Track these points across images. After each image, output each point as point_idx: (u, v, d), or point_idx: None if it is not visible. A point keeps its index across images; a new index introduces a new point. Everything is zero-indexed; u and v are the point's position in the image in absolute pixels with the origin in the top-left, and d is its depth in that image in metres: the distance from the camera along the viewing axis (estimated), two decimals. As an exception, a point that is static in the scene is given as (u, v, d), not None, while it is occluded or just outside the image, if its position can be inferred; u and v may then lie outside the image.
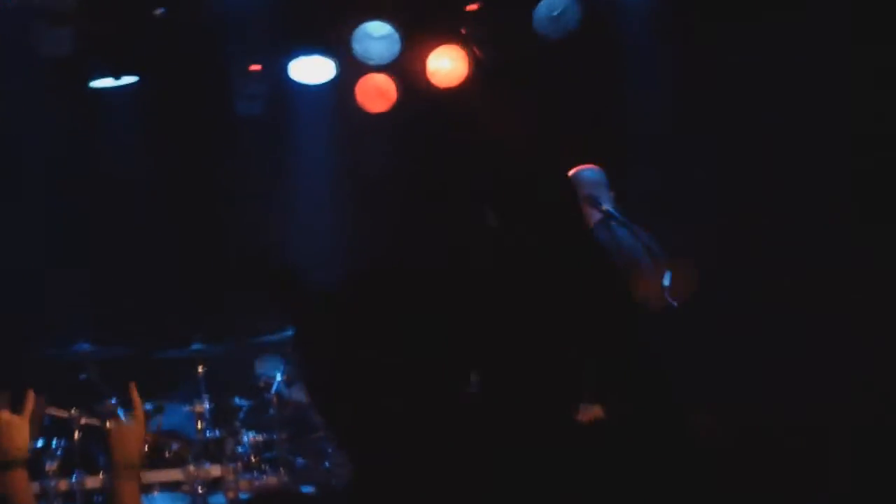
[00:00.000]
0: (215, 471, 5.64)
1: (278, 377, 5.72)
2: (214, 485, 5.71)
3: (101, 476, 5.46)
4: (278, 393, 5.72)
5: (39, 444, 5.36)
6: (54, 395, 5.42)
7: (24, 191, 6.26)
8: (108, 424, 2.81)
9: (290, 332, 5.63)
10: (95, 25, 6.14)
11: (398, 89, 6.38)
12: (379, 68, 6.31)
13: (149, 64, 6.38)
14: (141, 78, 6.36)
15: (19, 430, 2.71)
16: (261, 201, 6.47)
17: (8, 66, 6.03)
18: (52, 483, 5.30)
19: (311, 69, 6.34)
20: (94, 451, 5.54)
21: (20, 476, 2.75)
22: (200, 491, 5.58)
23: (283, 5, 6.09)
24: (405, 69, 6.33)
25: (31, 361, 5.67)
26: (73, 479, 5.44)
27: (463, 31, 6.14)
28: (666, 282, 4.71)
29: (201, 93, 6.56)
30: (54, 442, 5.43)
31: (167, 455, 5.56)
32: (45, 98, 6.24)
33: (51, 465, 5.40)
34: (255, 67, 6.39)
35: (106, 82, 6.29)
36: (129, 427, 2.77)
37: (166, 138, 6.59)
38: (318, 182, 6.43)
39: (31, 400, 2.89)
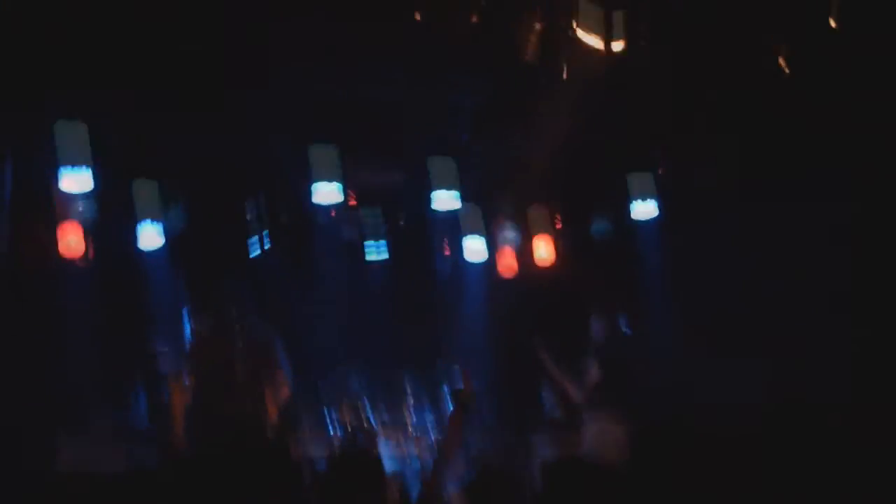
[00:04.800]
0: (415, 447, 9.33)
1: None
2: (412, 454, 9.24)
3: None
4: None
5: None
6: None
7: (330, 298, 10.02)
8: None
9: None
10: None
11: (519, 263, 10.21)
12: (510, 251, 10.26)
13: (396, 248, 10.47)
14: (390, 256, 10.26)
15: None
16: (447, 317, 10.44)
17: (329, 247, 9.89)
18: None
19: (476, 252, 10.24)
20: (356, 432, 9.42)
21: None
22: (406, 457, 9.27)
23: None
24: (523, 251, 10.21)
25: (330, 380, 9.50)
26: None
27: (553, 233, 10.29)
28: None
29: (421, 266, 10.48)
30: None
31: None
32: (342, 263, 10.10)
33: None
34: (447, 251, 10.36)
35: (373, 257, 10.35)
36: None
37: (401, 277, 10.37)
38: (476, 318, 10.40)
39: None
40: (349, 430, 9.45)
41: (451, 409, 5.58)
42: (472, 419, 8.54)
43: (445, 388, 9.45)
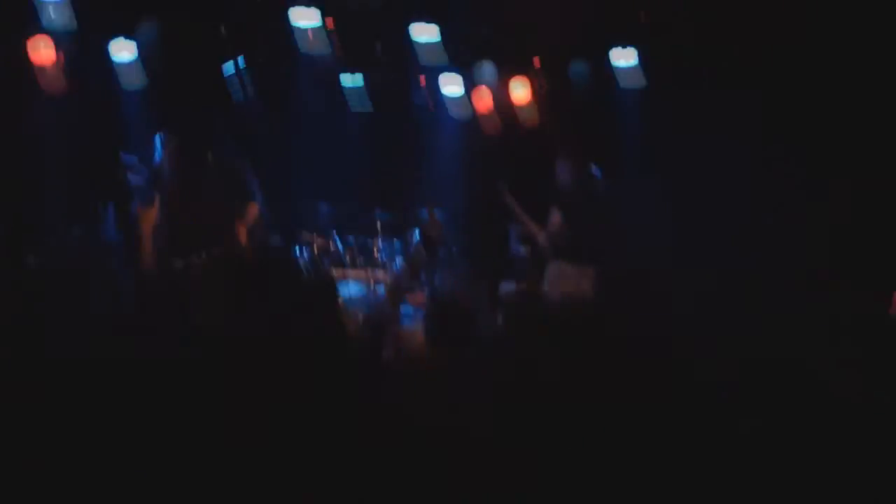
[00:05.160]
0: (382, 275, 9.50)
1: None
2: (378, 281, 9.45)
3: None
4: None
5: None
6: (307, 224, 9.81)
7: (304, 126, 10.31)
8: None
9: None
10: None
11: (494, 99, 10.35)
12: (486, 86, 10.36)
13: (372, 66, 10.50)
14: (364, 77, 10.46)
15: None
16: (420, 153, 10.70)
17: (305, 72, 10.12)
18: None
19: (452, 88, 10.32)
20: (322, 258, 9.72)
21: None
22: (373, 284, 9.52)
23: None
24: (499, 89, 10.34)
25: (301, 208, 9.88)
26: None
27: (530, 75, 10.37)
28: None
29: (397, 87, 10.71)
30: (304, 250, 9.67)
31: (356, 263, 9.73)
32: (318, 90, 10.42)
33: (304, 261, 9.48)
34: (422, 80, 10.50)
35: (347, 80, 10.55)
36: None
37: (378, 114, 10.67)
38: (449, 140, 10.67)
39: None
40: (315, 255, 9.57)
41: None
42: (438, 255, 8.61)
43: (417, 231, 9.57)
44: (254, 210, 8.26)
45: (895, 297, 6.48)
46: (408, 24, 9.69)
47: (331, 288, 4.50)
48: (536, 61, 10.25)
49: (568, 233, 8.65)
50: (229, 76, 10.04)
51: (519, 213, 9.03)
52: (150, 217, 6.12)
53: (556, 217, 8.73)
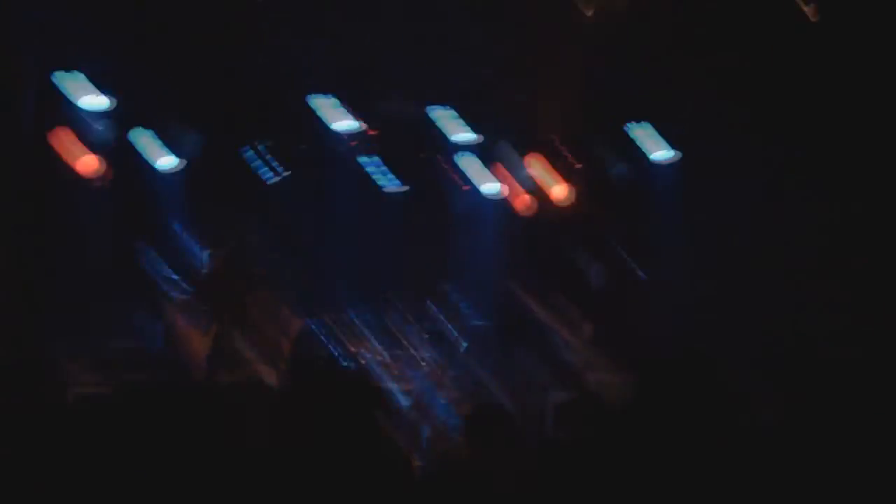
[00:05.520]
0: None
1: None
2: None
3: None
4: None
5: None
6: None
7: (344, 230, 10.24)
8: None
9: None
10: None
11: (533, 204, 10.32)
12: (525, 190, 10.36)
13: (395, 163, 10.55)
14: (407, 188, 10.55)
15: None
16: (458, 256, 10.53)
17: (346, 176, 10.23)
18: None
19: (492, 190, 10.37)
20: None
21: None
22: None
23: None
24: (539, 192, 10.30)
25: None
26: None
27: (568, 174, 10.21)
28: None
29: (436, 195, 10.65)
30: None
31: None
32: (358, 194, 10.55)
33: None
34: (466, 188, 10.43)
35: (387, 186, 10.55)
36: None
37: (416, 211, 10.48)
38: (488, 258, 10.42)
39: None
40: (358, 362, 9.40)
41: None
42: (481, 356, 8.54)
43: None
44: (297, 323, 8.23)
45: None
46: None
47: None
48: (556, 142, 10.17)
49: (602, 339, 8.53)
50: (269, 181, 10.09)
51: (550, 322, 8.88)
52: (198, 331, 6.11)
53: (588, 324, 8.61)
